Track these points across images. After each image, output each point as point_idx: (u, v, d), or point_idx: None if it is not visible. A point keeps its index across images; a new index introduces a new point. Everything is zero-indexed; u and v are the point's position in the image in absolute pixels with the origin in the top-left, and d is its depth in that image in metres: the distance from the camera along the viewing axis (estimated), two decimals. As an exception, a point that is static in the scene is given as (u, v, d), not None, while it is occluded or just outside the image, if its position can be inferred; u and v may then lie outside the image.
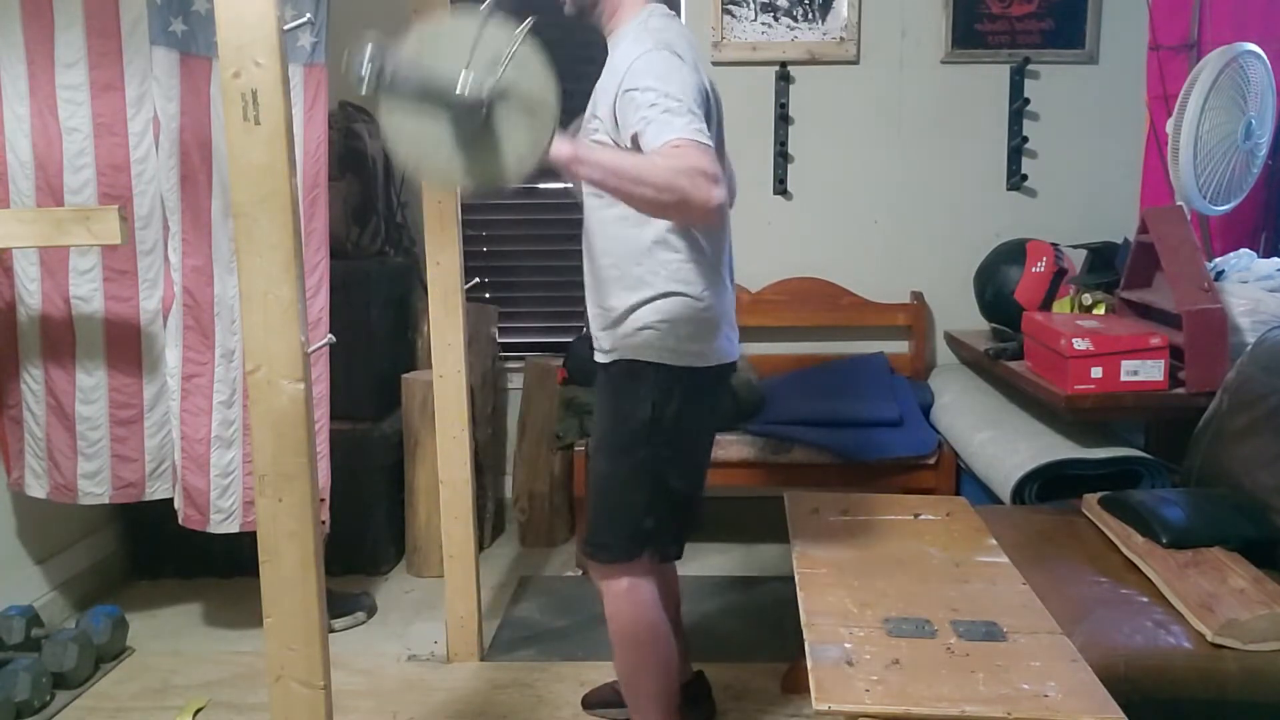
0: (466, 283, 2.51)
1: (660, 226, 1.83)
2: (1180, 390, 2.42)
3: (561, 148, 1.57)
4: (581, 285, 2.01)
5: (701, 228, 1.84)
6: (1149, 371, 2.42)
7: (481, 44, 1.51)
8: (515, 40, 1.51)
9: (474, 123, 1.51)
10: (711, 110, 1.81)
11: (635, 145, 1.67)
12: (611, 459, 1.94)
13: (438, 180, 2.04)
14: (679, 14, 3.45)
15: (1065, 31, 3.41)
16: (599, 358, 1.98)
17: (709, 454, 2.11)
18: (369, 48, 1.45)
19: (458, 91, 1.48)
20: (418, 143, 1.55)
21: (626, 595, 1.95)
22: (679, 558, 2.20)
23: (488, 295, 3.64)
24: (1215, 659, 1.68)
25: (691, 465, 2.02)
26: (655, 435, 1.88)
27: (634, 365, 1.88)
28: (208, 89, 2.40)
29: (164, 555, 3.11)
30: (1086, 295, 2.88)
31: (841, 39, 3.45)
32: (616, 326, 1.89)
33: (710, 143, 1.64)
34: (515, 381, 3.65)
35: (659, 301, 1.85)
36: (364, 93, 1.48)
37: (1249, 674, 1.67)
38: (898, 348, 3.55)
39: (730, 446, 3.00)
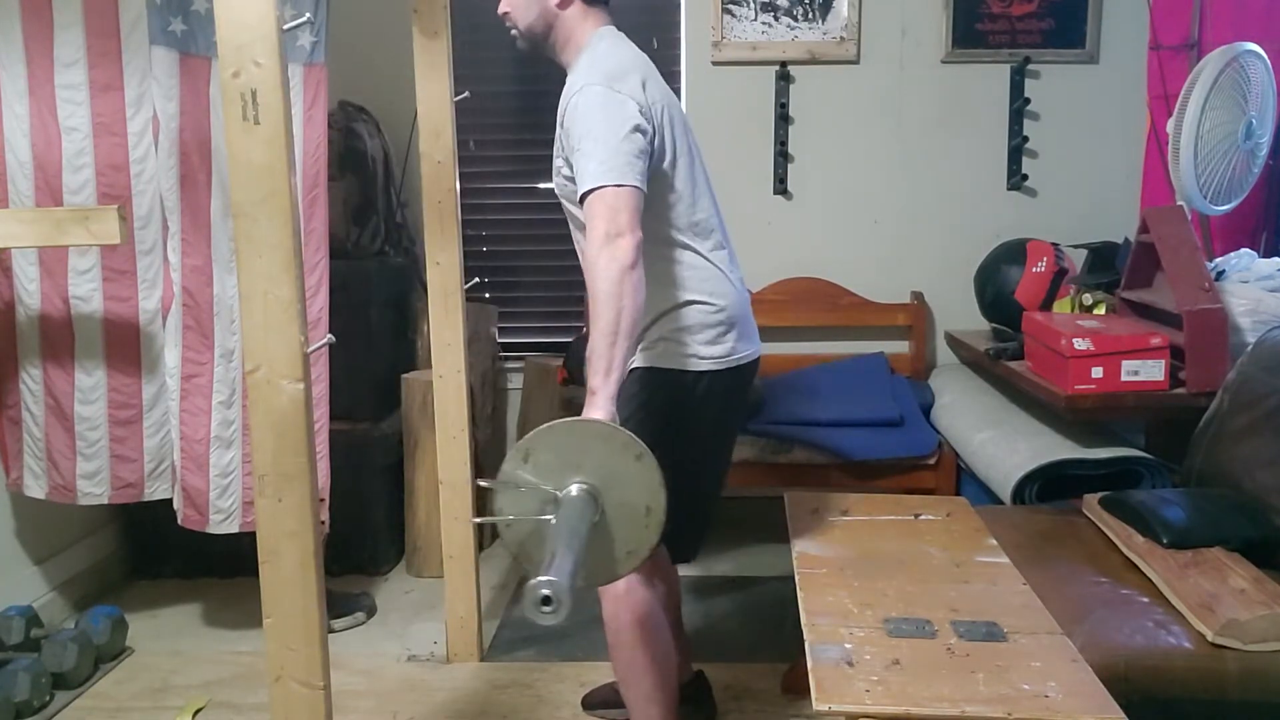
0: (466, 283, 2.51)
1: (660, 246, 1.83)
2: (1180, 390, 2.42)
3: (599, 412, 1.58)
4: (582, 284, 2.01)
5: (693, 234, 1.86)
6: (1149, 371, 2.42)
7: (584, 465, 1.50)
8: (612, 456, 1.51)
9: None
10: (659, 123, 1.80)
11: None
12: None
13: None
14: (679, 15, 3.46)
15: (1065, 31, 3.40)
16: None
17: (729, 455, 2.11)
18: (540, 598, 1.30)
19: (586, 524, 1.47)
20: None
21: (625, 597, 1.94)
22: (692, 559, 2.18)
23: (488, 295, 3.63)
24: (1215, 659, 1.68)
25: (709, 467, 2.02)
26: (670, 439, 1.87)
27: (651, 372, 1.89)
28: (207, 89, 2.40)
29: (164, 555, 3.11)
30: (1087, 295, 2.88)
31: (841, 39, 3.44)
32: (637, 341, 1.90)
33: (625, 172, 1.66)
34: (515, 381, 3.65)
35: (673, 313, 1.86)
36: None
37: (1249, 674, 1.67)
38: (898, 348, 3.54)
39: (730, 446, 3.00)
